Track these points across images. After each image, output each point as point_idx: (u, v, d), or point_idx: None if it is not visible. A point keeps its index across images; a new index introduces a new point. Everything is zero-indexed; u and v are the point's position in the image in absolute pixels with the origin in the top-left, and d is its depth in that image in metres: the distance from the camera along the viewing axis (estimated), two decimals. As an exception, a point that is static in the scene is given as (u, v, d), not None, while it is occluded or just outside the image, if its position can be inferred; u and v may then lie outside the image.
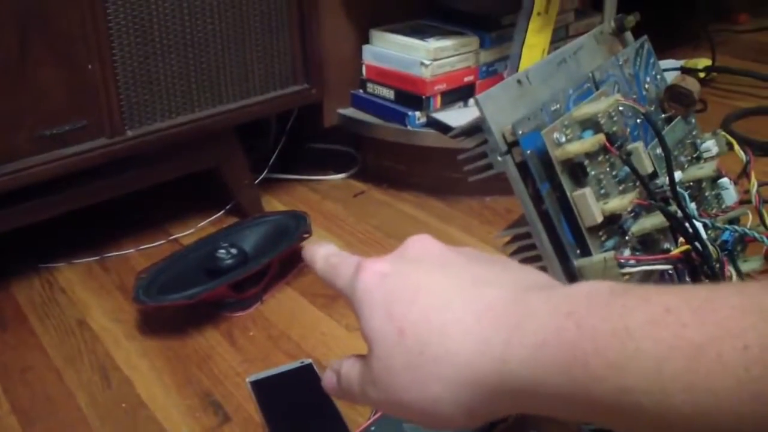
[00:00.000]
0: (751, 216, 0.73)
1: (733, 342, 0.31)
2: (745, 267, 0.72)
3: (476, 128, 0.56)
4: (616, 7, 1.24)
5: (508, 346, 0.39)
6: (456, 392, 0.41)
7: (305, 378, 0.84)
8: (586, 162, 0.57)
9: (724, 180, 0.72)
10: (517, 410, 0.42)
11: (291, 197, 1.27)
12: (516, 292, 0.41)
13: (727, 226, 0.68)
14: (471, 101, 1.20)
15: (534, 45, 1.11)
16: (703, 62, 1.69)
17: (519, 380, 0.38)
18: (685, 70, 1.66)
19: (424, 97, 1.17)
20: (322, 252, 0.52)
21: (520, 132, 0.54)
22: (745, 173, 0.73)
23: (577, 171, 0.56)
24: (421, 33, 1.20)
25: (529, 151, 0.55)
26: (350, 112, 1.28)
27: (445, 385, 0.41)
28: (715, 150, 0.74)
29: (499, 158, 0.55)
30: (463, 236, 1.08)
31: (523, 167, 0.55)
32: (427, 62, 1.15)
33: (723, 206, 0.71)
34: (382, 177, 1.29)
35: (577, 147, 0.54)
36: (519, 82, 0.59)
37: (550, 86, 0.62)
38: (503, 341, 0.39)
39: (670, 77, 1.59)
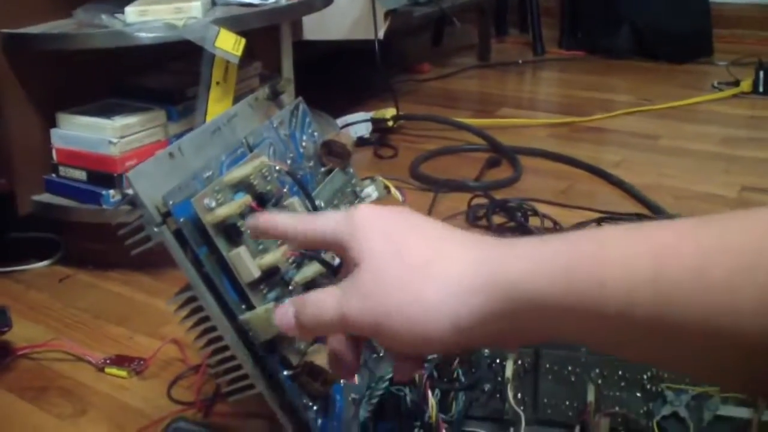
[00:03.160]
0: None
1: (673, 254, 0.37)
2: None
3: (132, 203, 0.59)
4: (292, 68, 1.31)
5: (504, 259, 0.44)
6: (448, 299, 0.44)
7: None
8: (240, 222, 0.61)
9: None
10: (509, 333, 0.44)
11: (-8, 291, 1.22)
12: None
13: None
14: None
15: (216, 113, 1.15)
16: (391, 112, 1.81)
17: (519, 290, 0.42)
18: (374, 121, 1.78)
19: (115, 174, 1.17)
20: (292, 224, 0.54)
21: (171, 202, 0.57)
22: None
23: (231, 232, 0.60)
24: (108, 112, 1.21)
25: (182, 219, 0.58)
26: (45, 197, 1.25)
27: (438, 290, 0.44)
28: (375, 195, 0.80)
29: (156, 229, 0.58)
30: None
31: (180, 235, 0.58)
32: (114, 140, 1.16)
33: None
34: (86, 259, 1.27)
35: (225, 210, 0.58)
36: (171, 154, 0.62)
37: (205, 155, 0.65)
38: (499, 256, 0.44)
39: (361, 129, 1.70)
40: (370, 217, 0.50)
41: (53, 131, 1.23)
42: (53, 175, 1.25)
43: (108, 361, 1.00)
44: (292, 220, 0.54)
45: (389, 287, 0.46)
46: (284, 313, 0.52)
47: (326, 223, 0.52)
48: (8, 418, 0.92)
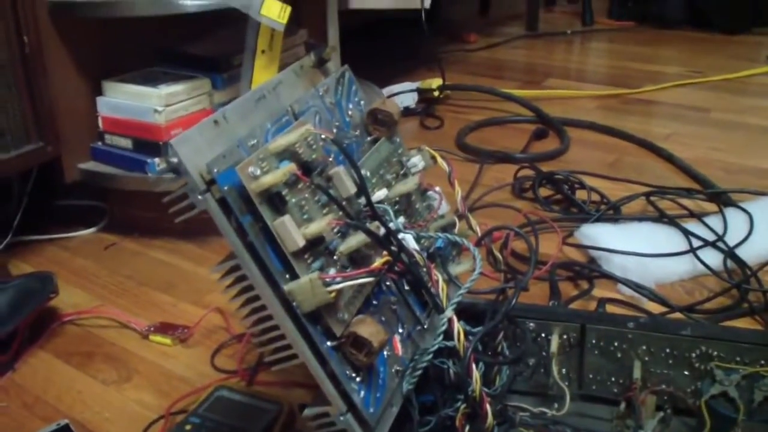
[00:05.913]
0: (458, 221, 0.79)
1: None
2: (457, 270, 0.78)
3: (175, 171, 0.58)
4: (338, 38, 1.30)
5: None
6: None
7: (63, 440, 0.83)
8: (285, 191, 0.60)
9: (431, 193, 0.78)
10: None
11: (40, 258, 1.23)
12: None
13: (438, 234, 0.74)
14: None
15: (262, 82, 1.14)
16: (437, 82, 1.79)
17: None
18: (420, 91, 1.76)
19: (161, 143, 1.17)
20: None
21: (216, 170, 0.57)
22: (449, 182, 0.79)
23: (275, 201, 0.59)
24: (153, 80, 1.21)
25: (226, 187, 0.57)
26: (91, 165, 1.26)
27: None
28: (421, 164, 0.79)
29: (199, 197, 0.57)
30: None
31: (224, 203, 0.58)
32: (160, 108, 1.16)
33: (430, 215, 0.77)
34: (131, 227, 1.28)
35: (269, 179, 0.57)
36: (216, 122, 0.61)
37: (250, 123, 0.64)
38: None
39: (407, 99, 1.68)
40: None
41: (99, 99, 1.24)
42: (99, 143, 1.26)
43: (153, 329, 1.01)
44: None
45: None
46: None
47: None
48: (54, 382, 0.94)
